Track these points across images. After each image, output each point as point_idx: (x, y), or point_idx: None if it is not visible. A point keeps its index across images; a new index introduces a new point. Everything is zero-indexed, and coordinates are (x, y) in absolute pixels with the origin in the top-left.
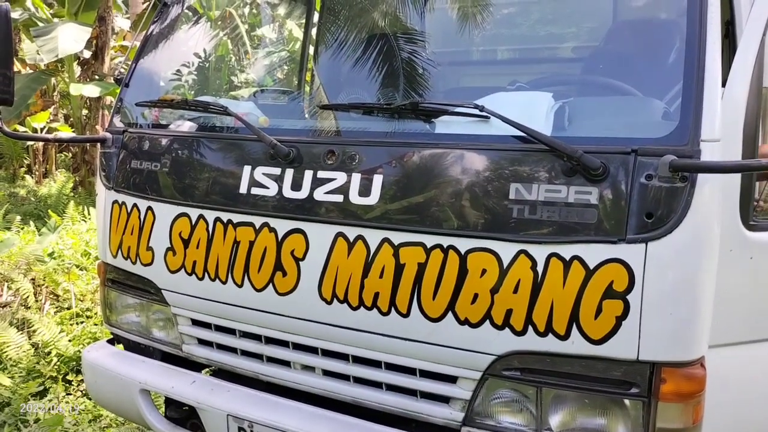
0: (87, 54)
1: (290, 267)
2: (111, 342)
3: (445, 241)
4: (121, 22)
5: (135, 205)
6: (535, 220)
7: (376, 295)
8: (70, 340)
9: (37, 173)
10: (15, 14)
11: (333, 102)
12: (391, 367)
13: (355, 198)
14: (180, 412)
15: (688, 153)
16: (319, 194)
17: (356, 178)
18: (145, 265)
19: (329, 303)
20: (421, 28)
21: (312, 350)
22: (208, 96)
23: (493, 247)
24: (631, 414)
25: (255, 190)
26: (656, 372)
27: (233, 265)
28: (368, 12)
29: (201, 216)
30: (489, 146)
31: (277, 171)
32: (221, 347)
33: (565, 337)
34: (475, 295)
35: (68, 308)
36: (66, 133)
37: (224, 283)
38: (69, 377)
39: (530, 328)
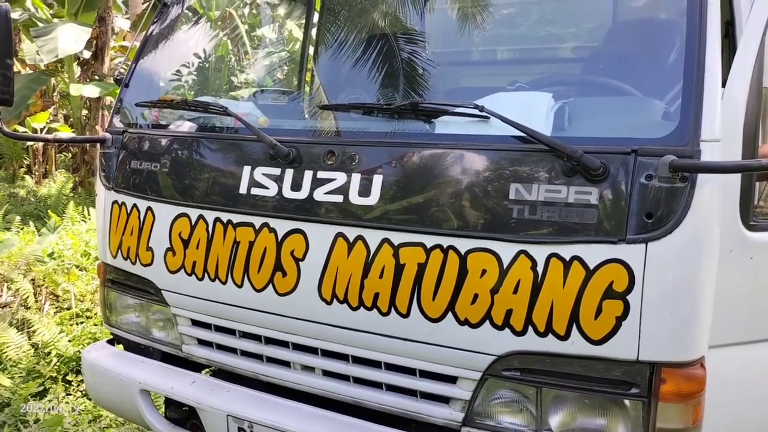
0: (87, 54)
1: (290, 267)
2: (111, 342)
3: (445, 241)
4: (121, 22)
5: (135, 205)
6: (535, 221)
7: (376, 295)
8: (69, 341)
9: (36, 173)
10: (15, 14)
11: (333, 102)
12: (391, 368)
13: (354, 198)
14: (180, 412)
15: (688, 153)
16: (319, 194)
17: (356, 178)
18: (145, 265)
19: (329, 303)
20: (421, 28)
21: (312, 350)
22: (208, 96)
23: (493, 247)
24: (631, 414)
25: (255, 191)
26: (656, 372)
27: (233, 266)
28: (368, 12)
29: (201, 216)
30: (489, 146)
31: (276, 171)
32: (221, 347)
33: (565, 338)
34: (475, 296)
35: (68, 309)
36: (66, 133)
37: (224, 283)
38: (69, 377)
39: (530, 328)
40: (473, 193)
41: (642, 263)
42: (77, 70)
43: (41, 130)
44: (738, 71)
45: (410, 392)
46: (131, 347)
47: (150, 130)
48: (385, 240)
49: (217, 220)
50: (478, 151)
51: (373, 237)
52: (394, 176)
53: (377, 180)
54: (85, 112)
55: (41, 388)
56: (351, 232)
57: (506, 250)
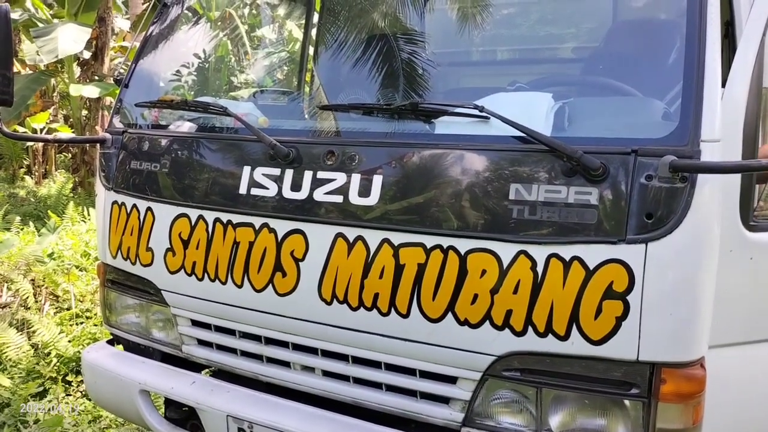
0: (87, 55)
1: (290, 267)
2: (111, 343)
3: (445, 241)
4: (120, 22)
5: (134, 205)
6: (535, 221)
7: (376, 295)
8: (69, 341)
9: (36, 174)
10: (15, 15)
11: (333, 102)
12: (391, 368)
13: (354, 198)
14: (180, 412)
15: (688, 153)
16: (319, 195)
17: (356, 178)
18: (145, 265)
19: (329, 303)
20: (420, 28)
21: (312, 351)
22: (208, 96)
23: (493, 247)
24: (631, 414)
25: (255, 191)
26: (656, 372)
27: (233, 266)
28: (368, 12)
29: (201, 216)
30: (489, 147)
31: (276, 171)
32: (221, 348)
33: (564, 338)
34: (475, 296)
35: (68, 309)
36: (65, 133)
37: (224, 283)
38: (69, 378)
39: (530, 328)
40: (473, 194)
41: (642, 263)
42: (77, 70)
43: (41, 130)
44: (738, 71)
45: (410, 392)
46: (131, 347)
47: (150, 131)
48: (385, 240)
49: (217, 220)
50: (478, 152)
51: (373, 237)
52: (394, 176)
53: (377, 180)
54: (84, 112)
55: (41, 388)
56: (351, 233)
57: (506, 251)
